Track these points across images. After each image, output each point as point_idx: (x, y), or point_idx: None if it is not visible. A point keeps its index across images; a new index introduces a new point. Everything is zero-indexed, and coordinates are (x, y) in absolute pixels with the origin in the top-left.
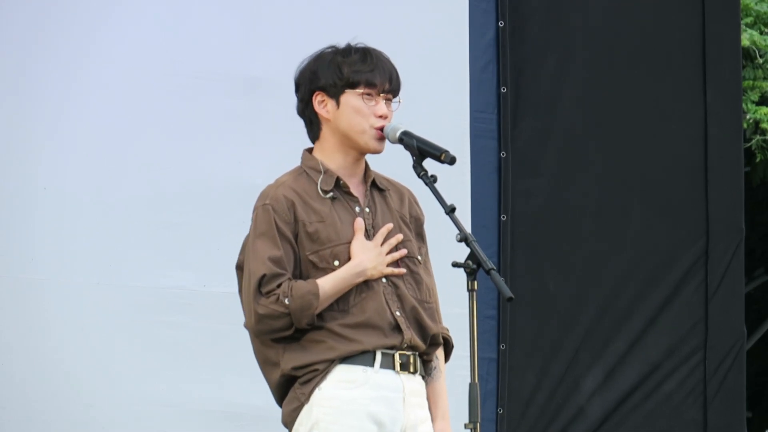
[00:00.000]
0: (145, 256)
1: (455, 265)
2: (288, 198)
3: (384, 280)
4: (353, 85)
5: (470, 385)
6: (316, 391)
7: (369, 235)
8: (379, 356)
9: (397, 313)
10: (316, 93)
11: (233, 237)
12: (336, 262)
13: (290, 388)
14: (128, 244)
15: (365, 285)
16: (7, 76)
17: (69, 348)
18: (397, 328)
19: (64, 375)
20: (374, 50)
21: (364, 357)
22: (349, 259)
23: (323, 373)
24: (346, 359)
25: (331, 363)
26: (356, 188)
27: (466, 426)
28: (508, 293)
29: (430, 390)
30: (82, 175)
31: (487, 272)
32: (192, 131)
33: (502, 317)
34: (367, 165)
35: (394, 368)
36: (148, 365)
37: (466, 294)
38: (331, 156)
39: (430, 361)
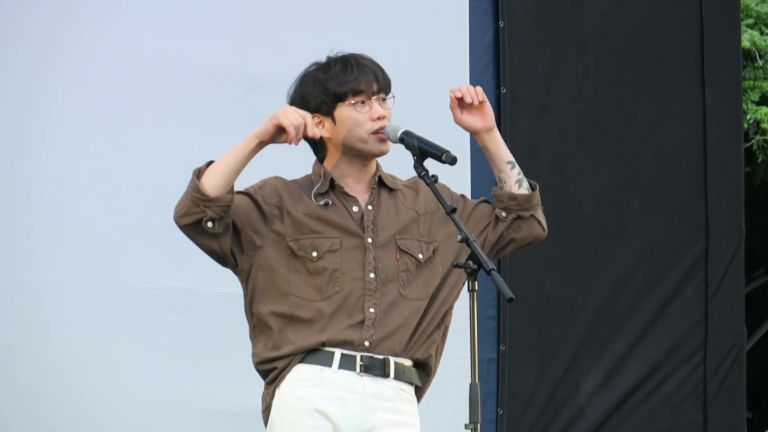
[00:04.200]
0: (145, 256)
1: (456, 265)
2: (278, 188)
3: (372, 275)
4: (342, 98)
5: (470, 385)
6: (276, 392)
7: (366, 230)
8: (338, 357)
9: (371, 310)
10: (312, 116)
11: None
12: (314, 253)
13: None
14: (128, 244)
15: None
16: (8, 76)
17: (69, 348)
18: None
19: (64, 375)
20: (354, 56)
21: (323, 357)
22: (328, 252)
23: (282, 372)
24: (304, 359)
25: (291, 360)
26: (358, 190)
27: (466, 426)
28: (509, 294)
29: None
30: (82, 175)
31: (488, 273)
32: (192, 131)
33: (502, 318)
34: (377, 167)
35: (354, 369)
36: (148, 365)
37: (467, 294)
38: (337, 167)
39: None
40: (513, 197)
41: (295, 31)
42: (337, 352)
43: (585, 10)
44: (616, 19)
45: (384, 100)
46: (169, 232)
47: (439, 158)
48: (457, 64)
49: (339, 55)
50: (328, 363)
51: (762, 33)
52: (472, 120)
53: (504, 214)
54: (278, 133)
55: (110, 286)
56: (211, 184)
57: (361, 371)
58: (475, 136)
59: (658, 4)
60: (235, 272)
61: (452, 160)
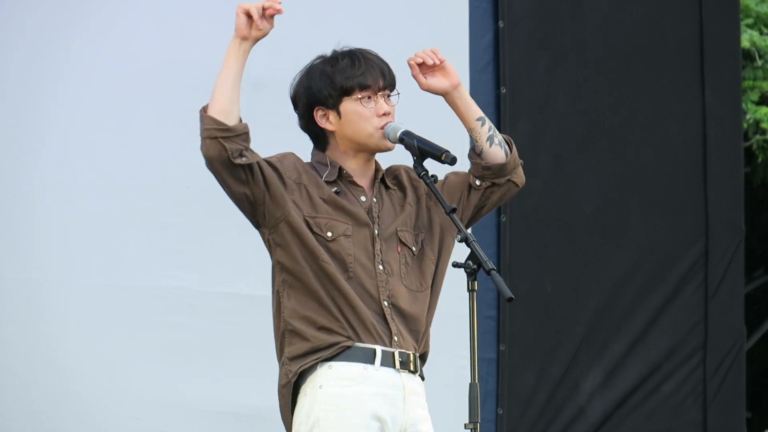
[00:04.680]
0: (145, 256)
1: (455, 265)
2: (296, 164)
3: (380, 267)
4: (348, 92)
5: (470, 385)
6: (318, 391)
7: (373, 221)
8: (379, 353)
9: (385, 303)
10: (316, 108)
11: (234, 237)
12: (329, 233)
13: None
14: (128, 245)
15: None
16: (8, 76)
17: (69, 348)
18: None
19: (64, 375)
20: (361, 51)
21: (364, 354)
22: (342, 236)
23: (314, 355)
24: (342, 356)
25: (327, 349)
26: (362, 182)
27: (466, 426)
28: (509, 293)
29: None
30: (82, 175)
31: (488, 273)
32: (192, 131)
33: (502, 318)
34: (378, 166)
35: (394, 366)
36: (148, 365)
37: (467, 294)
38: (341, 158)
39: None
40: (487, 167)
41: (295, 31)
42: (378, 349)
43: (585, 10)
44: (616, 19)
45: (389, 96)
46: (169, 232)
47: (438, 158)
48: (457, 64)
49: (345, 49)
50: (370, 360)
51: (762, 33)
52: (438, 81)
53: (478, 183)
54: (249, 22)
55: (110, 286)
56: (222, 111)
57: (399, 367)
58: (444, 97)
59: (658, 4)
60: (262, 225)
61: (452, 160)
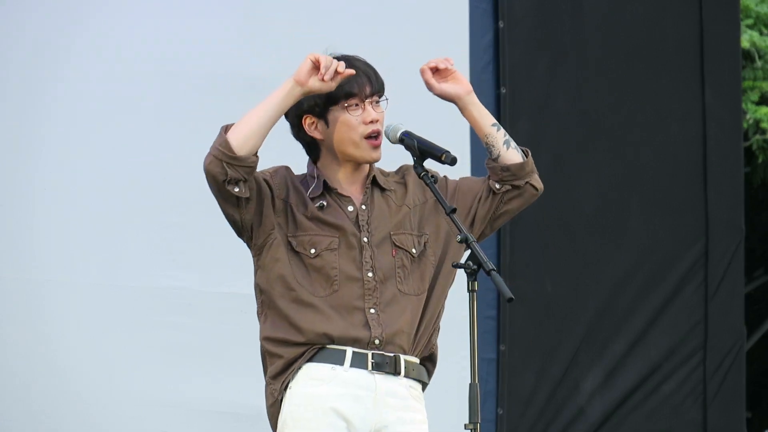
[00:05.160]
0: (145, 256)
1: (456, 265)
2: (287, 181)
3: (370, 274)
4: (335, 100)
5: (470, 385)
6: (288, 391)
7: (362, 229)
8: (349, 354)
9: (371, 311)
10: (304, 117)
11: (234, 237)
12: (312, 250)
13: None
14: (128, 245)
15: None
16: (8, 76)
17: (69, 348)
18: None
19: (64, 375)
20: (347, 57)
21: (333, 355)
22: (326, 250)
23: (289, 367)
24: (313, 358)
25: (301, 356)
26: (351, 191)
27: (466, 426)
28: (509, 294)
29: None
30: (82, 175)
31: (488, 273)
32: (192, 131)
33: (502, 318)
34: (370, 168)
35: (366, 367)
36: (148, 365)
37: (467, 295)
38: (330, 168)
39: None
40: (506, 168)
41: (295, 31)
42: (349, 350)
43: (585, 10)
44: (616, 19)
45: (377, 103)
46: (169, 232)
47: (438, 158)
48: (457, 64)
49: (332, 55)
50: (339, 361)
51: (762, 33)
52: (451, 87)
53: (498, 186)
54: (314, 70)
55: (110, 286)
56: (239, 139)
57: (372, 369)
58: (458, 102)
59: (658, 4)
60: (249, 245)
61: (452, 161)
